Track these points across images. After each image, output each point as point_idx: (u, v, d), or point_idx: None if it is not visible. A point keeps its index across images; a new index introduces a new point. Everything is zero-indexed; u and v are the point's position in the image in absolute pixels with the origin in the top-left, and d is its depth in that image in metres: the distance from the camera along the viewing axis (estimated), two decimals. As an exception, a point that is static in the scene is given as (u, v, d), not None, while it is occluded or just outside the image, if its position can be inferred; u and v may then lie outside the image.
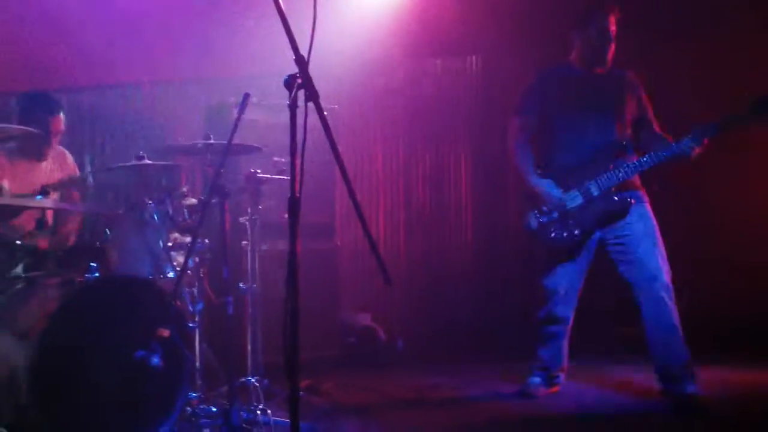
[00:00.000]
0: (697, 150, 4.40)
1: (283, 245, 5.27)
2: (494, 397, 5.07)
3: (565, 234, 4.56)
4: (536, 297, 4.89)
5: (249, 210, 4.72)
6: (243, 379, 4.46)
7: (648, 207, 4.63)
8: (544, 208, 4.59)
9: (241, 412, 4.10)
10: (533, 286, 4.99)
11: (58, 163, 5.14)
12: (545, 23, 6.42)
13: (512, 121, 4.82)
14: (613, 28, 4.64)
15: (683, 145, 4.38)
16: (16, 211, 4.59)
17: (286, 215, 2.71)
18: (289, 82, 2.70)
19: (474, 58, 8.09)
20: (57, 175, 5.09)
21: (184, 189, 4.65)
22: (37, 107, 4.89)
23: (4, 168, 4.85)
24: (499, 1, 6.49)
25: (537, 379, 4.84)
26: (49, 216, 4.83)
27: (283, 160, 4.62)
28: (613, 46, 4.65)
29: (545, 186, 4.58)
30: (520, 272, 7.41)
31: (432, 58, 7.80)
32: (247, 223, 4.71)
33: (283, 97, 2.74)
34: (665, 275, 4.50)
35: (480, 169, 8.04)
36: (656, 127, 4.70)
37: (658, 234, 4.57)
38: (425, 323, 7.47)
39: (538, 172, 4.66)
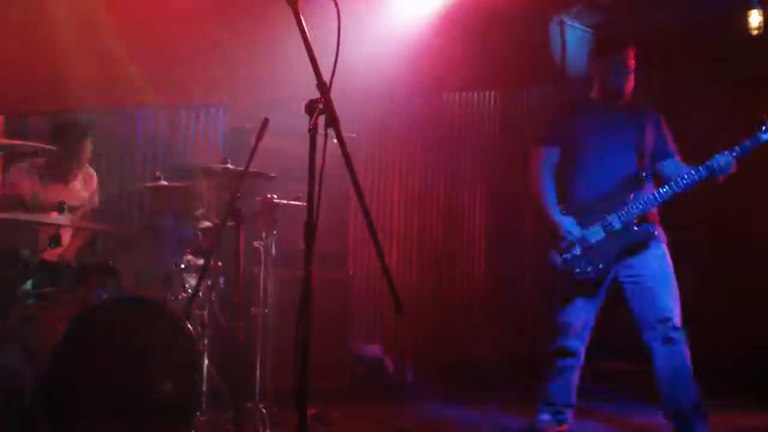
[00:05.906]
0: (723, 175, 4.39)
1: (296, 272, 5.26)
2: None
3: (589, 269, 4.53)
4: (547, 333, 4.83)
5: (264, 235, 4.72)
6: (250, 404, 4.44)
7: (665, 248, 4.59)
8: (565, 245, 4.56)
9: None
10: (545, 322, 4.94)
11: (85, 184, 5.17)
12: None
13: (534, 152, 4.77)
14: (630, 62, 4.65)
15: (711, 166, 4.38)
16: (34, 228, 4.61)
17: (301, 241, 2.70)
18: (311, 107, 2.69)
19: (492, 93, 8.13)
20: (83, 195, 5.13)
21: (200, 211, 4.65)
22: (67, 133, 4.97)
23: (31, 187, 4.89)
24: (515, 36, 6.52)
25: (546, 416, 4.76)
26: (65, 234, 4.84)
27: (299, 186, 4.63)
28: (631, 79, 4.65)
29: (566, 224, 4.56)
30: (532, 307, 7.38)
31: (452, 92, 7.83)
32: (261, 248, 4.70)
33: (303, 124, 2.73)
34: (677, 318, 4.46)
35: (494, 204, 8.04)
36: (679, 159, 4.69)
37: (673, 277, 4.54)
38: (436, 356, 7.42)
39: (560, 207, 4.63)
